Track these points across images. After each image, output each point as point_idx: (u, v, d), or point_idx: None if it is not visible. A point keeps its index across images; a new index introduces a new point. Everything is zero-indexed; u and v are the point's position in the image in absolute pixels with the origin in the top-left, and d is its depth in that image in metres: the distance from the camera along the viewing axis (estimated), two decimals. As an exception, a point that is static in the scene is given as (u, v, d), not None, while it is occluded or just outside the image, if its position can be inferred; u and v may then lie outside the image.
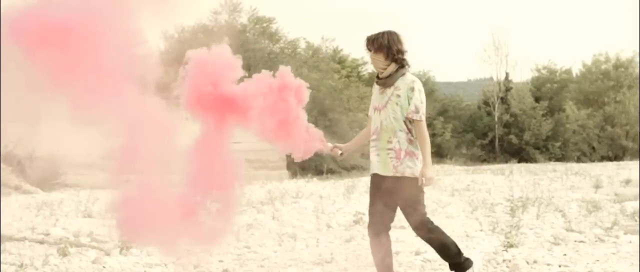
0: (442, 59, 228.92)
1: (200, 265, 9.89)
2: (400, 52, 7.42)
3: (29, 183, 24.29)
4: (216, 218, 7.15)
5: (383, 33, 7.46)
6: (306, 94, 7.67)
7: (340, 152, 7.91)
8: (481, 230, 12.62)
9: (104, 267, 9.74)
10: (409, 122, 7.35)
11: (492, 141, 59.25)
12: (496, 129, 58.94)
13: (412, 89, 7.33)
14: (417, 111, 7.31)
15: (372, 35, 7.50)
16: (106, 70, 6.41)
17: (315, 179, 29.67)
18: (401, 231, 12.57)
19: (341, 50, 45.89)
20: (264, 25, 35.99)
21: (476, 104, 63.84)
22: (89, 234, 12.50)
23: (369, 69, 46.22)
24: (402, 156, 7.33)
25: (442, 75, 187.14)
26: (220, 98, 7.15)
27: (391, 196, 7.43)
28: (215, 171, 7.12)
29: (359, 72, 47.05)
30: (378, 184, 7.57)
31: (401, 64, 7.42)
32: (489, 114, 60.69)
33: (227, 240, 12.05)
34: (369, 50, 7.51)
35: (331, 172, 31.38)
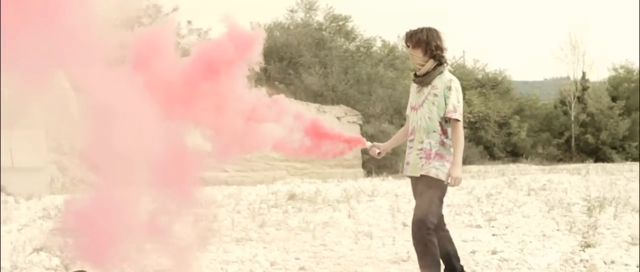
0: (519, 58, 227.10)
1: (276, 263, 9.90)
2: (439, 48, 7.37)
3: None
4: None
5: (422, 29, 7.41)
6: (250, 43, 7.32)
7: (378, 151, 7.88)
8: (558, 230, 12.42)
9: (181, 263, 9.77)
10: (444, 122, 7.29)
11: (568, 141, 58.41)
12: (572, 129, 58.10)
13: (450, 88, 7.28)
14: (454, 110, 7.25)
15: (411, 31, 7.47)
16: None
17: (390, 177, 29.61)
18: (477, 230, 12.48)
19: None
20: (340, 23, 35.95)
21: (552, 103, 62.99)
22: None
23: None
24: (432, 157, 7.29)
25: (519, 74, 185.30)
26: None
27: None
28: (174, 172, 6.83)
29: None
30: (414, 187, 7.59)
31: (439, 61, 7.37)
32: (565, 113, 59.85)
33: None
34: (408, 46, 7.45)
35: (405, 171, 31.16)
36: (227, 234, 12.31)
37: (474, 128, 41.94)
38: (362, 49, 36.99)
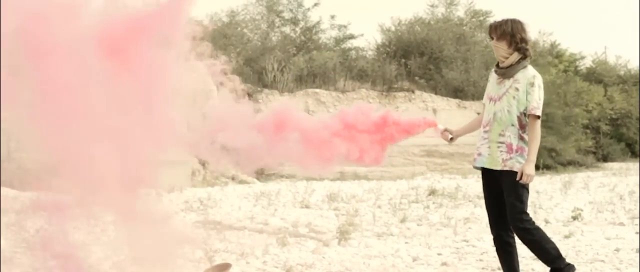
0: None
1: (418, 258, 9.82)
2: (524, 41, 7.17)
3: (246, 173, 24.79)
4: None
5: (507, 20, 7.22)
6: None
7: (450, 136, 7.70)
8: None
9: (323, 257, 9.77)
10: (523, 117, 7.10)
11: None
12: None
13: (532, 85, 7.08)
14: (537, 107, 7.07)
15: (495, 22, 7.32)
16: None
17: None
18: (620, 228, 12.18)
19: (559, 44, 44.86)
20: (481, 18, 35.61)
21: None
22: (307, 225, 12.61)
23: (586, 63, 45.21)
24: (514, 151, 7.13)
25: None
26: None
27: (497, 192, 7.30)
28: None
29: (576, 66, 45.98)
30: (488, 179, 7.41)
31: (524, 55, 7.18)
32: None
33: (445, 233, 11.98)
34: (492, 37, 7.27)
35: (547, 167, 30.74)
36: (369, 228, 12.30)
37: (615, 125, 40.93)
38: (502, 44, 36.39)
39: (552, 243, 7.31)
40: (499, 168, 7.20)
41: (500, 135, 7.21)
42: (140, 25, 6.16)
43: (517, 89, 7.14)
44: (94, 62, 5.85)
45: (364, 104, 8.08)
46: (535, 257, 7.51)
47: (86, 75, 5.78)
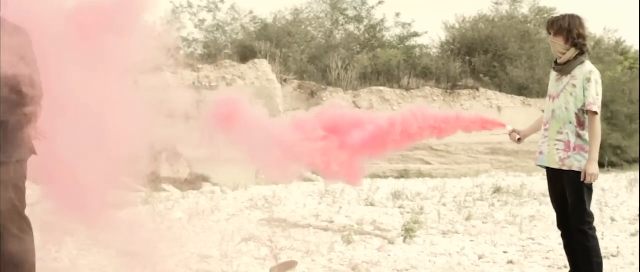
0: None
1: (484, 256, 9.81)
2: (582, 36, 7.12)
3: (310, 171, 24.86)
4: None
5: (564, 16, 7.21)
6: None
7: (518, 137, 7.66)
8: None
9: (389, 255, 9.80)
10: (582, 114, 7.03)
11: None
12: None
13: (589, 80, 7.03)
14: (594, 103, 7.02)
15: (553, 18, 7.32)
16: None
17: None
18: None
19: (624, 41, 44.35)
20: (545, 15, 35.24)
21: None
22: (372, 222, 12.63)
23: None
24: (571, 149, 7.07)
25: None
26: None
27: (562, 190, 7.26)
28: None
29: (642, 63, 45.49)
30: (551, 177, 7.39)
31: (581, 50, 7.14)
32: None
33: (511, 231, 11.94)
34: (549, 33, 7.23)
35: (612, 165, 30.41)
36: (434, 226, 12.31)
37: None
38: (568, 41, 36.10)
39: (600, 260, 7.26)
40: (557, 167, 7.20)
41: (558, 133, 7.19)
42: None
43: (574, 86, 7.12)
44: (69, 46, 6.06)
45: (336, 103, 8.06)
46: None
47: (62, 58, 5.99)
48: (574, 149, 7.08)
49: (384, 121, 7.52)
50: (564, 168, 7.12)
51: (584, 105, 7.03)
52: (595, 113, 7.05)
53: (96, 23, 6.46)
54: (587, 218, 7.15)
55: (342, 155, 7.35)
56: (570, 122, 7.10)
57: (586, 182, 7.02)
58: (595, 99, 7.04)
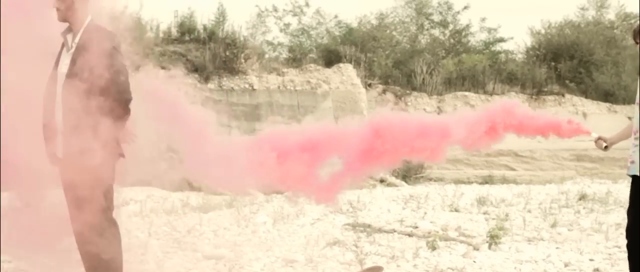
0: None
1: (570, 263, 9.74)
2: None
3: (394, 176, 24.83)
4: None
5: None
6: None
7: (604, 144, 7.51)
8: None
9: (474, 262, 9.78)
10: None
11: None
12: None
13: None
14: None
15: (638, 26, 7.06)
16: None
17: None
18: None
19: None
20: (632, 21, 34.79)
21: None
22: (456, 228, 12.59)
23: None
24: None
25: None
26: None
27: None
28: None
29: None
30: (635, 188, 7.13)
31: None
32: None
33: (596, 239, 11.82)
34: (636, 41, 7.07)
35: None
36: (519, 233, 12.23)
37: None
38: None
39: None
40: None
41: None
42: None
43: None
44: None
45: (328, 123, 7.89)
46: None
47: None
48: None
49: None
50: None
51: None
52: None
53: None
54: None
55: (300, 172, 7.30)
56: None
57: None
58: None
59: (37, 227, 6.58)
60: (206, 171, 7.11)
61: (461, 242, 11.30)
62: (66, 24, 6.48)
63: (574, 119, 8.03)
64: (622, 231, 12.45)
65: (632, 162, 7.17)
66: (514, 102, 8.16)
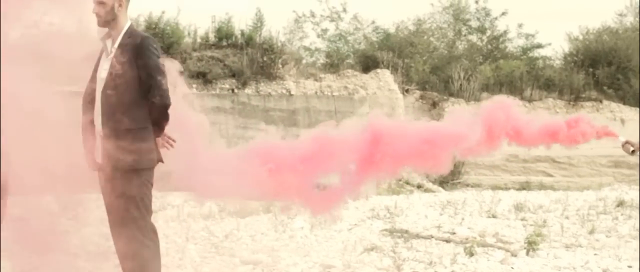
0: None
1: (608, 270, 9.72)
2: None
3: (431, 182, 24.80)
4: None
5: None
6: None
7: (631, 149, 7.49)
8: None
9: (511, 268, 9.79)
10: None
11: None
12: None
13: None
14: None
15: None
16: None
17: None
18: None
19: None
20: (670, 27, 34.60)
21: None
22: (494, 235, 12.59)
23: None
24: None
25: None
26: None
27: None
28: None
29: None
30: None
31: None
32: None
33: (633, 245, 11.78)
34: None
35: None
36: (557, 239, 12.20)
37: None
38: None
39: None
40: None
41: None
42: None
43: None
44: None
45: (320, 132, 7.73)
46: None
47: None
48: None
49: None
50: None
51: None
52: None
53: None
54: None
55: (292, 183, 7.27)
56: None
57: None
58: None
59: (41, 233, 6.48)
60: (194, 179, 7.12)
61: (499, 248, 11.30)
62: (105, 29, 6.56)
63: (612, 125, 8.02)
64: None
65: None
66: (510, 102, 8.16)
